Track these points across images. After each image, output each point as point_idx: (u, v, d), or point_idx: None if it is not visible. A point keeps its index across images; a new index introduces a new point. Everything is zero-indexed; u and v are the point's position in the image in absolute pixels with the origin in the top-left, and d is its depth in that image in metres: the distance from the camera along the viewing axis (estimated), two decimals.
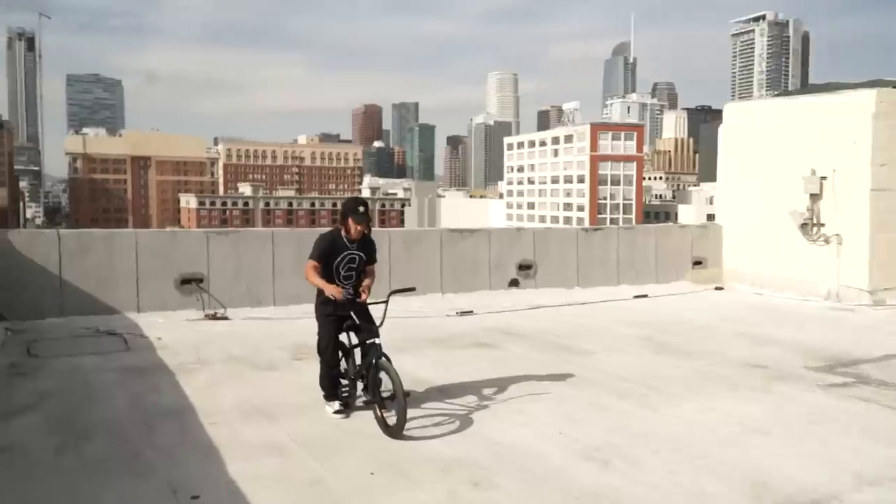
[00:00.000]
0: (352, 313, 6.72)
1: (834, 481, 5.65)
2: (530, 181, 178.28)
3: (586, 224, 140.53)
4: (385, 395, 6.39)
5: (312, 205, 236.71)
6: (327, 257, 6.67)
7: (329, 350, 6.81)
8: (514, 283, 14.86)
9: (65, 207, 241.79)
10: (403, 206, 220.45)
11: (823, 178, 14.32)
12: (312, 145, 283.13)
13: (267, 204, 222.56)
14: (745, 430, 6.63)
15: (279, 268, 12.62)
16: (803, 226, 14.65)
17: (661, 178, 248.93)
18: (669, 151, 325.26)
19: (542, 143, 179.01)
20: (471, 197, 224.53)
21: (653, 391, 7.90)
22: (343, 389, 6.90)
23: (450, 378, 8.27)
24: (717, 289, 16.04)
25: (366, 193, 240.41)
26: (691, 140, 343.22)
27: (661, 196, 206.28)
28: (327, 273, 6.66)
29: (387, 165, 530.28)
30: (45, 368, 8.48)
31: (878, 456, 6.14)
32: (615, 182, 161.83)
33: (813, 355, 9.59)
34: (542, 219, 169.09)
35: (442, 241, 14.14)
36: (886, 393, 7.88)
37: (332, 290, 6.49)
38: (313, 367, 8.21)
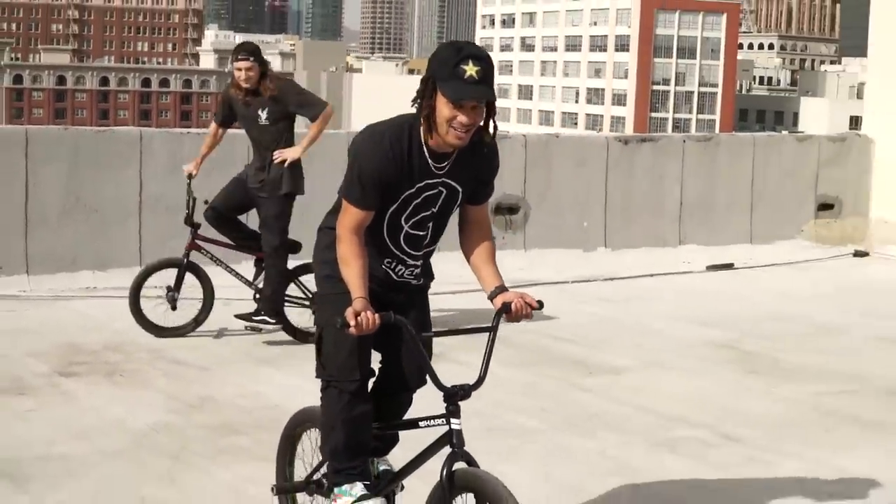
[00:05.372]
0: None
1: None
2: (526, 46, 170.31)
3: (628, 130, 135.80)
4: None
5: (104, 82, 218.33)
6: (383, 191, 4.89)
7: (346, 363, 5.11)
8: None
9: None
10: None
11: None
12: None
13: (17, 79, 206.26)
14: None
15: (40, 206, 11.96)
16: None
17: (771, 45, 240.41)
18: None
19: None
20: (411, 72, 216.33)
21: (731, 441, 7.78)
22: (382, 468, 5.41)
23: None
24: (857, 255, 15.70)
25: (208, 62, 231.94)
26: None
27: (770, 80, 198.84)
28: (373, 229, 5.00)
29: (250, 8, 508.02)
30: None
31: None
32: (686, 52, 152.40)
33: None
34: (546, 118, 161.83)
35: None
36: None
37: (351, 311, 4.69)
38: (100, 391, 8.31)
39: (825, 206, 16.07)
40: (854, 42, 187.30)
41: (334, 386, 5.08)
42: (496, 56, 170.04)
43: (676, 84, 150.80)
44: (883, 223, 15.85)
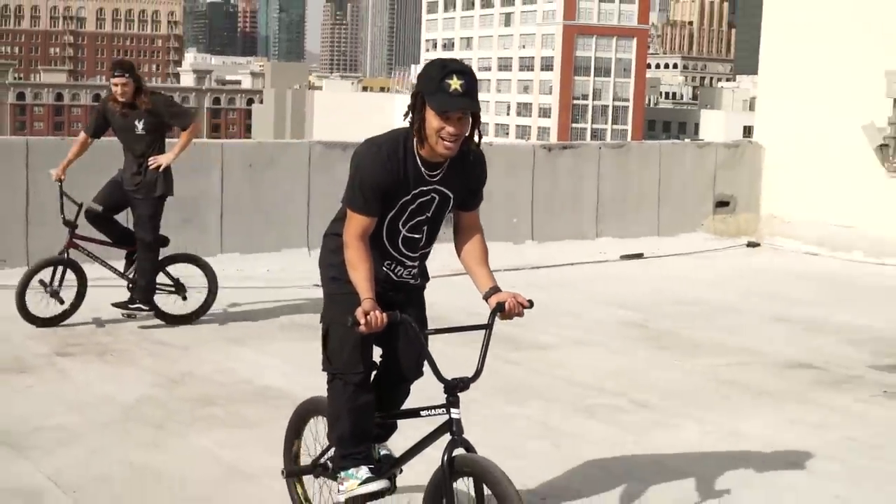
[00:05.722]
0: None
1: None
2: None
3: (552, 138, 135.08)
4: None
5: (97, 98, 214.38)
6: (382, 198, 4.65)
7: (351, 357, 4.87)
8: None
9: None
10: (251, 102, 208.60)
11: None
12: None
13: (20, 96, 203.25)
14: (772, 463, 6.58)
15: (39, 207, 11.70)
16: (882, 147, 14.52)
17: (675, 65, 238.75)
18: (691, 24, 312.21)
19: (486, 4, 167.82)
20: (365, 89, 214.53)
21: (642, 407, 7.78)
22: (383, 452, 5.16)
23: (322, 389, 7.22)
24: (749, 245, 15.75)
25: (188, 80, 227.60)
26: (725, 6, 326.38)
27: (674, 95, 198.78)
28: (374, 234, 4.75)
29: (224, 34, 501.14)
30: None
31: None
32: (602, 70, 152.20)
33: (883, 348, 9.74)
34: (482, 128, 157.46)
35: (311, 161, 13.17)
36: None
37: (360, 311, 4.46)
38: (92, 368, 8.23)
39: (722, 204, 16.05)
40: (747, 62, 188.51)
41: (339, 378, 4.84)
42: None
43: (594, 99, 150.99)
44: (772, 218, 15.87)
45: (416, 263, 4.86)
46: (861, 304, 11.76)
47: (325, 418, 5.12)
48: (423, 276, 4.96)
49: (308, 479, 5.36)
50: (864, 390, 8.20)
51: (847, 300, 11.99)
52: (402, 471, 5.01)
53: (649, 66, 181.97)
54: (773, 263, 14.45)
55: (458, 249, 4.89)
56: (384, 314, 4.40)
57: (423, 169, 4.59)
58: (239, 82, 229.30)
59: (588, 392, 8.03)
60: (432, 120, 4.42)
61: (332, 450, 5.00)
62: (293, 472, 5.29)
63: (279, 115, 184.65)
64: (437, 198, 4.70)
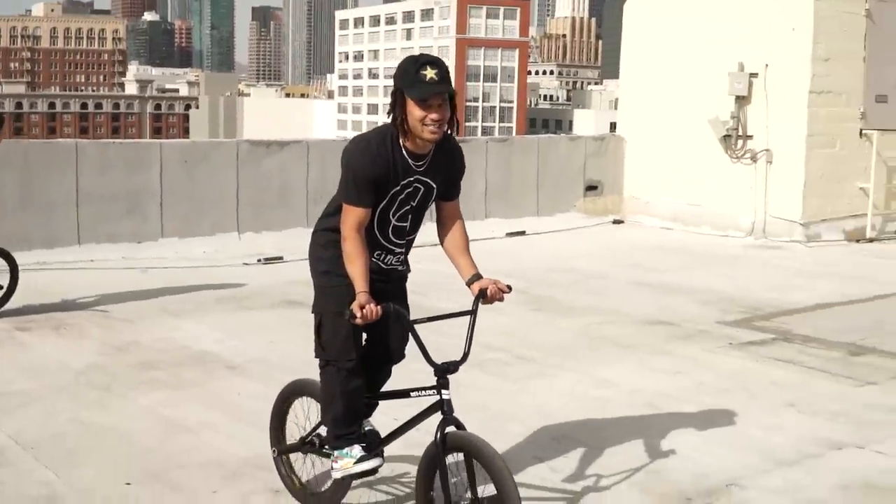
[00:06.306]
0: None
1: (737, 464, 5.65)
2: (372, 75, 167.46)
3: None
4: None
5: (52, 106, 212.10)
6: (375, 189, 4.31)
7: (344, 345, 4.51)
8: None
9: None
10: (188, 107, 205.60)
11: (753, 75, 14.25)
12: (52, 18, 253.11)
13: None
14: (635, 405, 6.64)
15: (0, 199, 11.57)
16: (726, 138, 14.65)
17: (551, 72, 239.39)
18: (564, 36, 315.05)
19: (390, 21, 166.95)
20: (287, 96, 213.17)
21: (523, 361, 7.79)
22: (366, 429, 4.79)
23: (251, 353, 7.88)
24: (615, 222, 15.90)
25: (131, 89, 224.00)
26: (593, 21, 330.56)
27: (551, 97, 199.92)
28: (366, 226, 4.40)
29: (163, 48, 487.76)
30: None
31: (794, 430, 6.23)
32: (490, 77, 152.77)
33: (728, 306, 9.86)
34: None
35: (239, 157, 13.03)
36: (811, 352, 8.13)
37: (357, 304, 4.13)
38: (48, 341, 8.05)
39: (591, 188, 16.08)
40: (612, 68, 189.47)
41: (333, 365, 4.50)
42: (350, 83, 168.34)
43: (483, 101, 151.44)
44: (633, 199, 15.98)
45: (402, 251, 4.57)
46: (709, 270, 11.88)
47: (308, 399, 4.85)
48: (407, 264, 4.68)
49: (293, 455, 5.06)
50: (712, 342, 8.31)
51: (697, 267, 12.09)
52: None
53: (530, 72, 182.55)
54: (635, 237, 14.54)
55: (442, 238, 4.60)
56: (378, 306, 4.11)
57: (409, 160, 4.28)
58: (177, 90, 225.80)
59: (479, 349, 7.86)
60: (414, 110, 4.12)
61: (321, 428, 4.70)
62: (283, 449, 4.98)
63: (213, 118, 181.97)
64: (421, 188, 4.41)
